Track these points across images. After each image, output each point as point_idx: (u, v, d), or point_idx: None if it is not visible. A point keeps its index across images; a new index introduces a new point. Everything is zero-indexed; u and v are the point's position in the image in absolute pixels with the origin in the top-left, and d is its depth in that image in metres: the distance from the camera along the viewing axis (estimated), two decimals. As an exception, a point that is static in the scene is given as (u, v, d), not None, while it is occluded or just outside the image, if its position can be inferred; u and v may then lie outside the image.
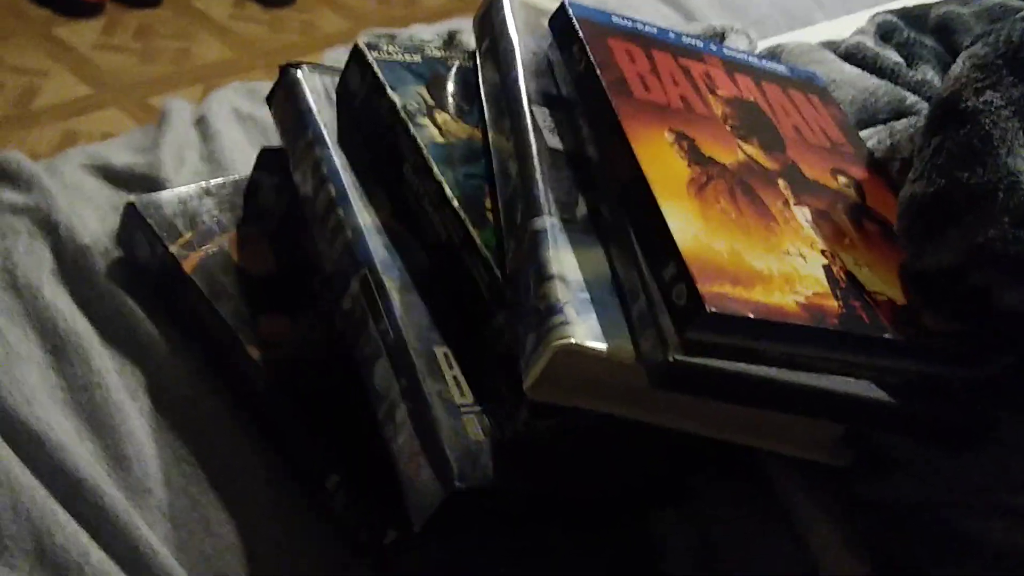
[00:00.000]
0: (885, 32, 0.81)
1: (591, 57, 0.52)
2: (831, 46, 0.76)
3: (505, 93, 0.56)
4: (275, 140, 0.75)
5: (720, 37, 0.75)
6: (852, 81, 0.65)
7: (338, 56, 0.86)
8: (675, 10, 0.99)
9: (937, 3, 0.83)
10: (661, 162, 0.48)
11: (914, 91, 0.67)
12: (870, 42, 0.76)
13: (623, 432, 0.50)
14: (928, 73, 0.74)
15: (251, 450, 0.53)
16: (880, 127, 0.60)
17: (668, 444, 0.51)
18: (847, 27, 0.88)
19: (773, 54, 0.74)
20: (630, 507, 0.53)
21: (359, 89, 0.59)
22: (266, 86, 0.81)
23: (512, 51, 0.57)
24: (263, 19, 2.41)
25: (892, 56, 0.73)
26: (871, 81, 0.66)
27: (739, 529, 0.52)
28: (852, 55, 0.72)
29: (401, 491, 0.47)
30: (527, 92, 0.55)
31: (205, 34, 2.31)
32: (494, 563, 0.51)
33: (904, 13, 0.84)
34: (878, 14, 0.85)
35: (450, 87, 0.60)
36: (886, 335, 0.45)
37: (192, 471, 0.52)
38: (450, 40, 0.77)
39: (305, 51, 2.32)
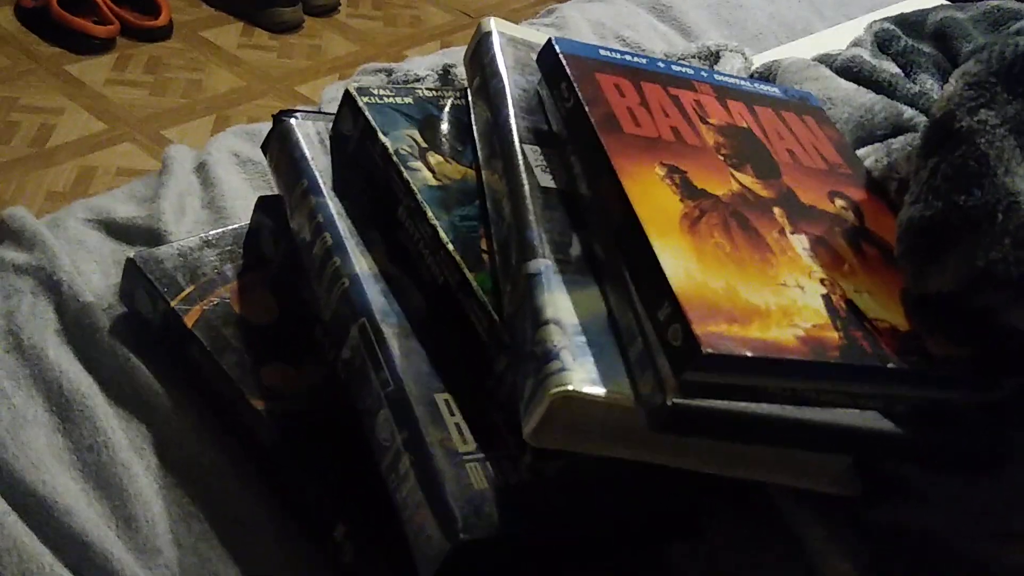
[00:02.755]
0: (883, 41, 0.80)
1: (579, 94, 0.52)
2: (827, 60, 0.75)
3: (497, 132, 0.55)
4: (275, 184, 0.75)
5: (715, 57, 0.75)
6: (848, 98, 0.65)
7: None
8: (672, 27, 0.99)
9: (934, 9, 0.83)
10: (653, 198, 0.48)
11: (912, 104, 0.67)
12: (867, 54, 0.75)
13: (629, 470, 0.49)
14: (927, 82, 0.73)
15: (259, 503, 0.53)
16: (878, 145, 0.59)
17: (676, 479, 0.50)
18: (845, 35, 0.87)
19: (769, 71, 0.74)
20: (641, 544, 0.52)
21: (352, 134, 0.59)
22: (265, 128, 0.82)
23: (503, 89, 0.57)
24: (272, 46, 2.43)
25: (889, 68, 0.73)
26: (868, 97, 0.65)
27: (752, 561, 0.51)
28: (848, 69, 0.72)
29: (408, 543, 0.46)
30: (518, 131, 0.54)
31: (215, 64, 2.33)
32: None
33: (901, 20, 0.83)
34: (875, 22, 0.84)
35: (443, 127, 0.60)
36: (889, 364, 0.45)
37: (201, 528, 0.52)
38: (445, 75, 0.77)
39: (314, 75, 2.34)
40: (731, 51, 0.75)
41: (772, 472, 0.48)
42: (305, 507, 0.53)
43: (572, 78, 0.53)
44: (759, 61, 0.80)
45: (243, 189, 0.73)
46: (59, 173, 1.92)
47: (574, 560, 0.51)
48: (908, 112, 0.63)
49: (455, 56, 0.88)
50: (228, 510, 0.53)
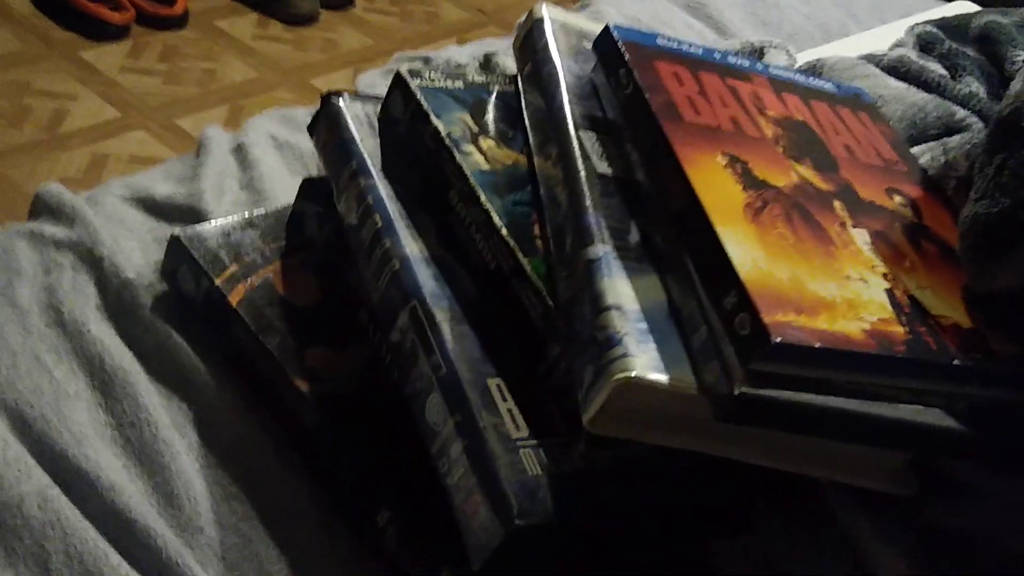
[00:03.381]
0: (925, 43, 0.80)
1: (638, 81, 0.51)
2: (872, 59, 0.75)
3: (550, 119, 0.55)
4: (313, 167, 0.74)
5: (759, 53, 0.74)
6: (899, 96, 0.64)
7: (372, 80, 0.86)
8: (708, 25, 0.98)
9: (977, 13, 0.82)
10: (715, 187, 0.47)
11: (962, 105, 0.66)
12: (913, 54, 0.74)
13: (681, 462, 0.49)
14: (972, 85, 0.73)
15: (300, 485, 0.53)
16: (932, 144, 0.59)
17: (728, 473, 0.50)
18: (882, 39, 0.87)
19: (814, 69, 0.73)
20: (689, 536, 0.52)
21: (402, 116, 0.58)
22: (301, 112, 0.81)
23: (556, 76, 0.56)
24: (286, 38, 2.42)
25: (936, 69, 0.72)
26: (919, 96, 0.64)
27: (801, 557, 0.50)
28: (895, 69, 0.71)
29: (458, 529, 0.46)
30: (573, 117, 0.54)
31: (229, 55, 2.32)
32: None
33: (944, 24, 0.83)
34: (916, 25, 0.83)
35: (492, 113, 0.59)
36: (955, 361, 0.44)
37: (242, 508, 0.51)
38: (486, 63, 0.76)
39: (328, 69, 2.33)
40: (775, 48, 0.75)
41: (829, 468, 0.47)
42: (348, 491, 0.52)
43: (631, 65, 0.52)
44: (799, 60, 0.79)
45: (281, 172, 0.72)
46: (71, 159, 1.91)
47: (621, 549, 0.51)
48: (960, 112, 0.63)
49: (489, 47, 0.88)
50: (270, 492, 0.52)
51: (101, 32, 2.21)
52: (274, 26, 2.44)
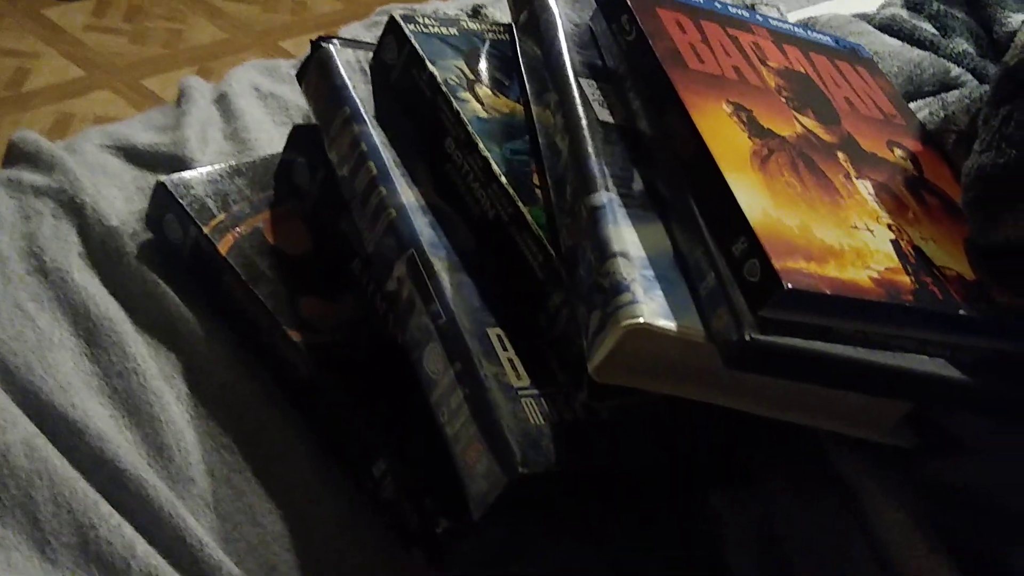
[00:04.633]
0: (914, 4, 0.79)
1: (642, 27, 0.51)
2: (865, 18, 0.74)
3: (549, 67, 0.54)
4: (297, 118, 0.73)
5: (750, 9, 0.73)
6: (895, 53, 0.64)
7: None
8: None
9: (967, -25, 0.82)
10: (722, 134, 0.46)
11: (956, 63, 0.66)
12: (904, 14, 0.74)
13: (682, 414, 0.48)
14: (962, 45, 0.73)
15: (293, 436, 0.52)
16: (929, 99, 0.59)
17: (727, 424, 0.50)
18: (866, 1, 0.86)
19: (807, 26, 0.73)
20: (690, 489, 0.52)
21: (395, 63, 0.57)
22: (284, 64, 0.79)
23: (554, 24, 0.55)
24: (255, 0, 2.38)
25: (928, 28, 0.72)
26: (914, 53, 0.64)
27: (799, 511, 0.50)
28: (888, 27, 0.71)
29: (456, 479, 0.45)
30: (572, 65, 0.53)
31: (197, 15, 2.28)
32: (548, 545, 0.50)
33: (932, -15, 0.82)
34: (905, -14, 0.83)
35: (487, 61, 0.58)
36: (960, 311, 0.44)
37: (234, 459, 0.50)
38: (474, 15, 0.75)
39: (298, 32, 2.30)
40: (766, 4, 0.74)
41: (830, 419, 0.47)
42: (343, 441, 0.51)
43: (634, 11, 0.51)
44: (790, 19, 0.79)
45: (265, 122, 0.70)
46: (35, 118, 1.87)
47: (620, 500, 0.51)
48: (955, 70, 0.62)
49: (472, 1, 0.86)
50: (262, 442, 0.51)
51: (64, -11, 2.16)
52: (243, -12, 2.39)
